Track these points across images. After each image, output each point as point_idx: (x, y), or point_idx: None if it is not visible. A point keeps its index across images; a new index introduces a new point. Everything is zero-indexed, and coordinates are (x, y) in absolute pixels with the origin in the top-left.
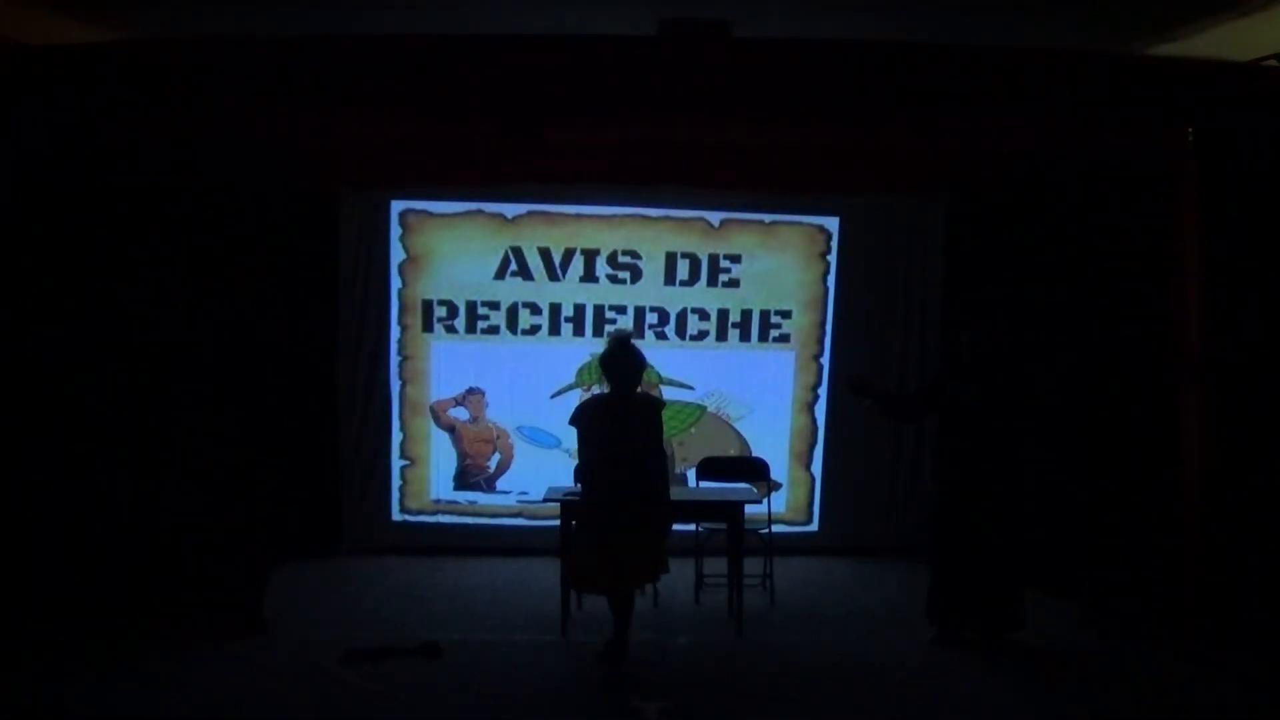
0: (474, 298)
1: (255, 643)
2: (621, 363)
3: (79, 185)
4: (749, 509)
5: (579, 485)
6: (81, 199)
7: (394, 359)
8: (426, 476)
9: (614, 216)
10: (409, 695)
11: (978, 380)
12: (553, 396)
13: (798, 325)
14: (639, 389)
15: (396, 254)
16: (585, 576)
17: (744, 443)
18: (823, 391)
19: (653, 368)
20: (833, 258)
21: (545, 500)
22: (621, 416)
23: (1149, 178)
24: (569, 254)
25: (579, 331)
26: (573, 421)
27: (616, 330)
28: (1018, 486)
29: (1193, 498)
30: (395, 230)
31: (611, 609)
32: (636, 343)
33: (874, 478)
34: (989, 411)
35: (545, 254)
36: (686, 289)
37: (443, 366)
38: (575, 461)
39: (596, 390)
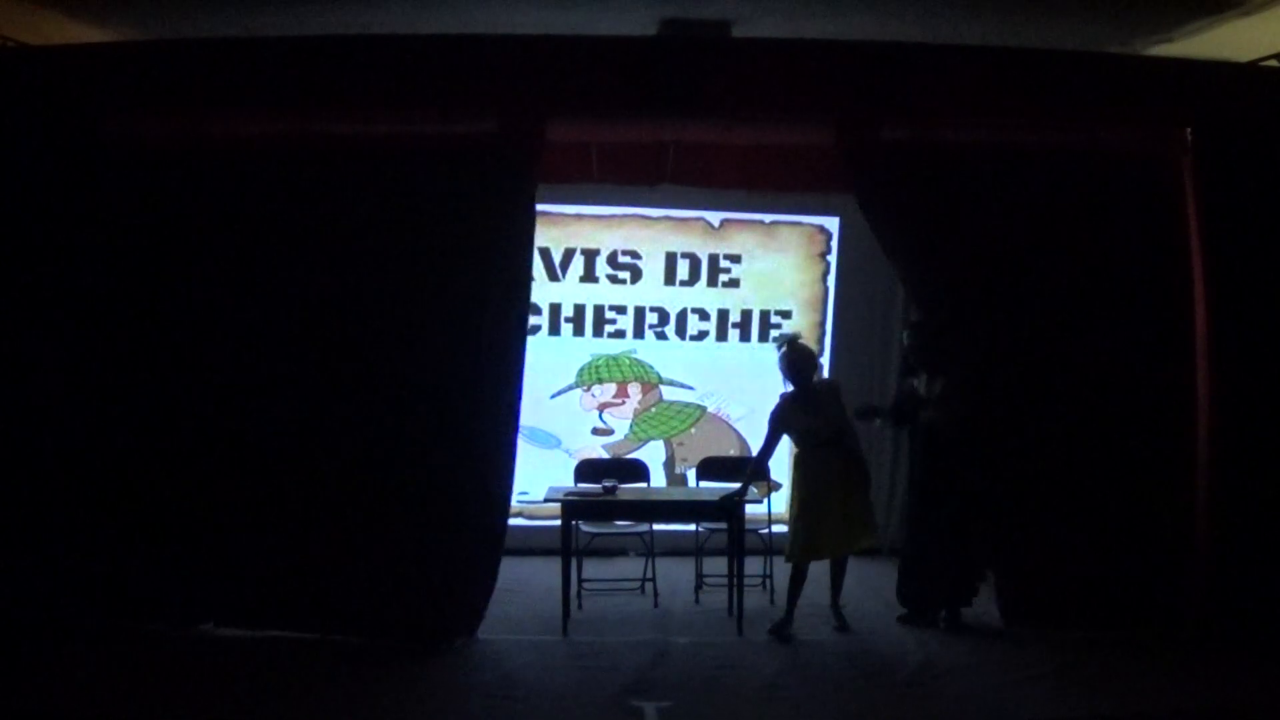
0: None
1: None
2: (792, 359)
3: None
4: (749, 509)
5: (749, 474)
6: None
7: None
8: None
9: (614, 216)
10: (409, 695)
11: (924, 382)
12: (553, 397)
13: (798, 325)
14: (816, 378)
15: None
16: (812, 545)
17: (744, 443)
18: None
19: (652, 367)
20: (833, 258)
21: (545, 500)
22: (811, 405)
23: (1149, 177)
24: (569, 254)
25: (579, 331)
26: (771, 419)
27: (781, 334)
28: (966, 483)
29: (1197, 496)
30: None
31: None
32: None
33: (874, 478)
34: (938, 412)
35: (545, 254)
36: (686, 289)
37: None
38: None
39: (596, 390)
